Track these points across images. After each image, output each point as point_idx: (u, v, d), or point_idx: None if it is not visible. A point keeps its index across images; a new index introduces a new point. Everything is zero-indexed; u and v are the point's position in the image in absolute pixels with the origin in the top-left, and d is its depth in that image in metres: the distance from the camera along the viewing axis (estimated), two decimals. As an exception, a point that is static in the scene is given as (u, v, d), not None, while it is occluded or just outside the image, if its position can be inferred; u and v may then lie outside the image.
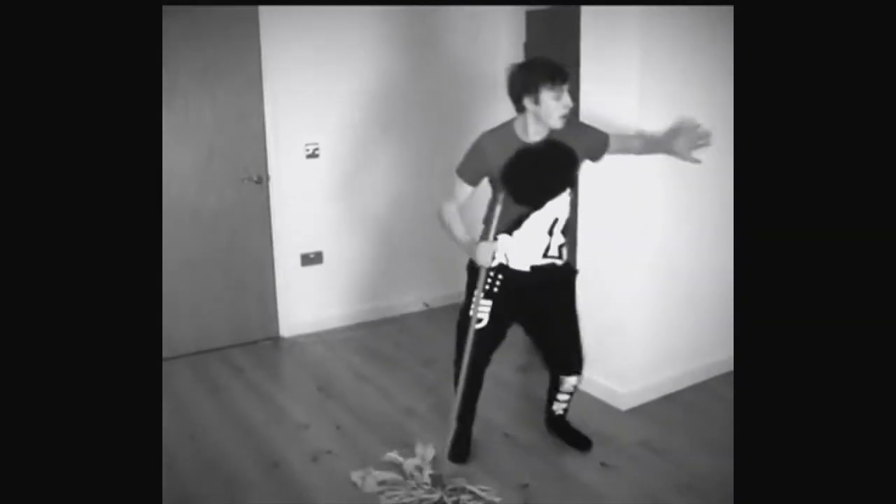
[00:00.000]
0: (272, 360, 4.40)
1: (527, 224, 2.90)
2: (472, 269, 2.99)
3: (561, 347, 3.17)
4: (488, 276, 2.93)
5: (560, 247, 2.97)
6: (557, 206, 2.90)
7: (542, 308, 3.05)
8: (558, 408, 3.34)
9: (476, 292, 2.95)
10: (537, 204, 2.87)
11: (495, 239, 2.90)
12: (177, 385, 4.01)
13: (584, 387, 3.81)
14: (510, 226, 2.90)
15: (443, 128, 5.10)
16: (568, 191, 2.92)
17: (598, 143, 2.98)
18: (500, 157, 2.83)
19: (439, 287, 5.33)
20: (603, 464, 3.13)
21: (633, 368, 3.67)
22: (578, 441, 3.30)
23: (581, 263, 3.79)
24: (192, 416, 3.64)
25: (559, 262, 2.99)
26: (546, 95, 2.70)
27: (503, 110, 5.25)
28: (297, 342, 4.64)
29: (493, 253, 2.87)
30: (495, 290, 2.94)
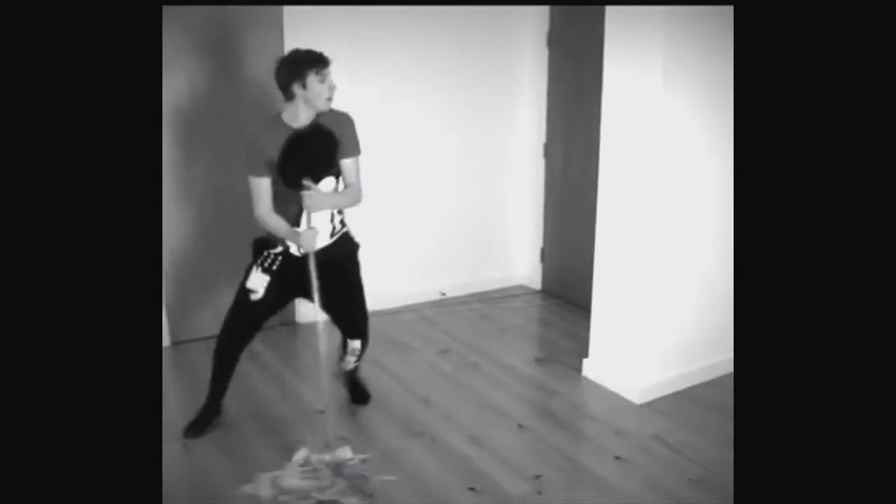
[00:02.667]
0: (288, 345, 4.42)
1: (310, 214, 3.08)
2: (256, 244, 3.24)
3: (348, 315, 3.40)
4: (270, 254, 3.16)
5: (341, 222, 3.25)
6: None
7: (330, 281, 3.16)
8: (347, 365, 3.54)
9: (254, 267, 3.18)
10: (303, 186, 3.04)
11: (312, 227, 3.07)
12: (194, 368, 4.04)
13: (599, 380, 3.86)
14: (295, 217, 3.10)
15: (461, 111, 5.14)
16: (334, 178, 3.14)
17: (348, 147, 3.13)
18: (274, 146, 3.01)
19: (456, 276, 5.37)
20: (616, 457, 3.13)
21: (647, 363, 3.67)
22: (359, 396, 3.64)
23: (598, 259, 3.82)
24: (209, 398, 3.67)
25: (344, 233, 3.26)
26: (312, 80, 2.93)
27: (523, 89, 5.29)
28: (313, 328, 4.64)
29: (316, 237, 3.05)
30: (274, 267, 3.15)
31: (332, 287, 3.19)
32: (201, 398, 3.62)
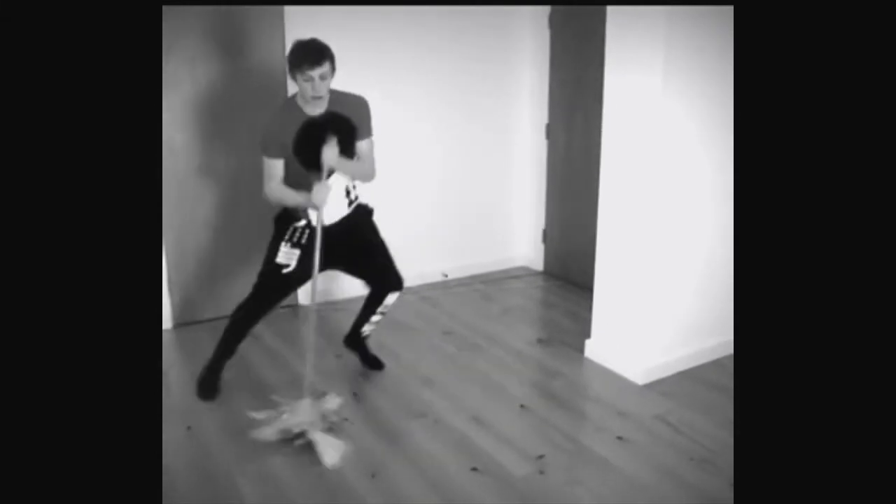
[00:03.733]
0: (291, 327, 4.44)
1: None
2: (280, 221, 3.37)
3: (382, 271, 3.54)
4: (298, 228, 3.30)
5: (356, 195, 3.42)
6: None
7: (355, 246, 3.42)
8: (368, 330, 3.73)
9: (283, 243, 3.31)
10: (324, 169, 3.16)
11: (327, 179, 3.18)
12: (198, 350, 4.07)
13: (601, 361, 3.89)
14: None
15: (462, 92, 5.16)
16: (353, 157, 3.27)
17: (362, 130, 3.26)
18: (289, 131, 3.10)
19: (458, 258, 5.41)
20: (619, 437, 3.15)
21: (650, 344, 3.69)
22: (374, 363, 3.81)
23: (600, 240, 3.83)
24: (213, 380, 3.70)
25: (359, 203, 3.43)
26: (299, 79, 3.03)
27: (524, 70, 5.33)
28: (315, 310, 4.66)
29: (329, 192, 3.15)
30: (303, 241, 3.29)
31: (359, 248, 3.44)
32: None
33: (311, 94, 3.06)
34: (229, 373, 3.74)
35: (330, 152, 3.12)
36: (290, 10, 4.35)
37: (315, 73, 3.01)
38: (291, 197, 3.21)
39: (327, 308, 4.71)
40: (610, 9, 3.53)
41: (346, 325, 4.39)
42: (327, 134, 3.13)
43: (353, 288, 4.83)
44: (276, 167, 3.19)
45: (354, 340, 3.80)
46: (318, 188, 3.13)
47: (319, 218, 3.19)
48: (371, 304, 3.65)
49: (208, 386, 3.51)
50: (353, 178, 3.35)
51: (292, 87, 4.38)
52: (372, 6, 4.60)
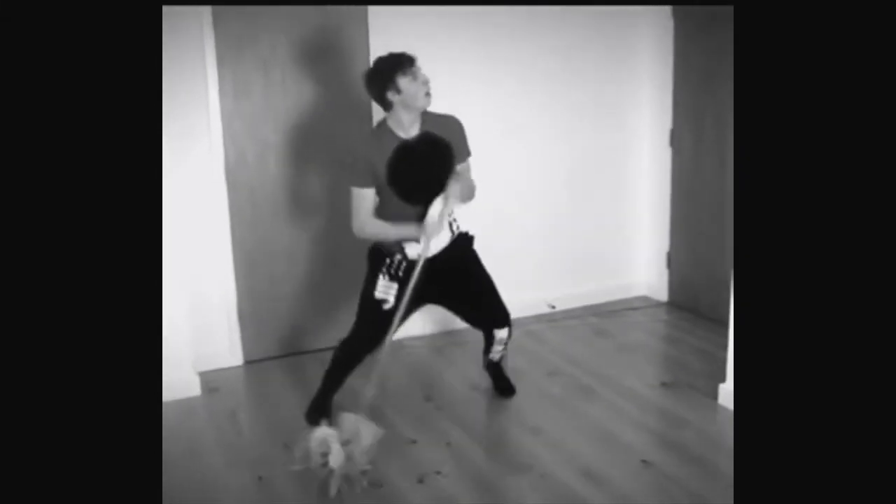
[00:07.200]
0: (374, 365, 4.43)
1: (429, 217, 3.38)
2: (374, 254, 3.52)
3: (483, 306, 3.71)
4: (394, 261, 3.44)
5: (454, 221, 3.58)
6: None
7: (458, 280, 3.58)
8: (495, 355, 3.93)
9: (380, 276, 3.47)
10: (426, 201, 3.36)
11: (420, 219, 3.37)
12: (270, 389, 4.18)
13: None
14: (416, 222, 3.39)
15: (572, 92, 5.21)
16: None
17: (461, 151, 3.49)
18: (381, 157, 3.31)
19: (566, 285, 5.41)
20: None
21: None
22: (505, 389, 4.01)
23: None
24: (286, 423, 3.78)
25: (460, 233, 3.60)
26: (403, 82, 3.23)
27: (644, 66, 5.35)
28: (403, 345, 4.68)
29: (440, 229, 3.37)
30: (400, 273, 3.43)
31: (462, 283, 3.61)
32: (277, 420, 3.83)
33: (424, 92, 3.26)
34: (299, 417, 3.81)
35: (452, 189, 3.35)
36: (376, 22, 4.45)
37: (416, 67, 3.25)
38: (395, 232, 3.39)
39: (416, 343, 4.73)
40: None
41: (438, 362, 4.53)
42: (426, 161, 3.35)
43: (443, 321, 4.84)
44: (366, 199, 3.36)
45: (488, 364, 4.02)
46: (429, 225, 3.33)
47: (424, 251, 3.36)
48: (486, 345, 3.90)
49: (316, 415, 3.57)
50: (462, 202, 3.49)
51: (377, 115, 4.52)
52: (468, 7, 4.68)
